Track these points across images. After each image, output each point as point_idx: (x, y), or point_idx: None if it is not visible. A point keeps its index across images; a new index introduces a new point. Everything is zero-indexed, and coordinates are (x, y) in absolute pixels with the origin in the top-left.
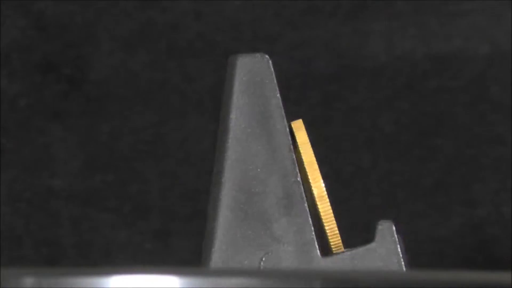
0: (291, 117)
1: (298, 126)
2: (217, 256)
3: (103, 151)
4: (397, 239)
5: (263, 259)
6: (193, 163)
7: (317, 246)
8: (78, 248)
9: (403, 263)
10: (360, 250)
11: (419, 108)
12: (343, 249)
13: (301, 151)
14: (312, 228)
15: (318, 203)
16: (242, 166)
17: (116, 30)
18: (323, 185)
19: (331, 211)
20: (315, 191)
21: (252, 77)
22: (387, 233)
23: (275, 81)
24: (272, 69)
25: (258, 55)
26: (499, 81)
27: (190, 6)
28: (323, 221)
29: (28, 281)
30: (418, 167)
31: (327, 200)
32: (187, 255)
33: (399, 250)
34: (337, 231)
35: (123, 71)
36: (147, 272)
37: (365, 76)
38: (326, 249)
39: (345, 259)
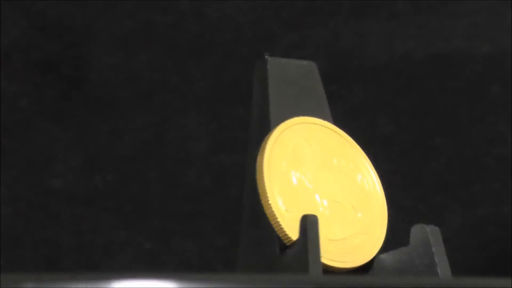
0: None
1: (267, 136)
2: (240, 258)
3: (103, 151)
4: (313, 236)
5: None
6: (193, 163)
7: (277, 244)
8: (78, 248)
9: (310, 260)
10: (293, 245)
11: (419, 108)
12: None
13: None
14: (274, 228)
15: (261, 202)
16: (250, 168)
17: (116, 30)
18: (266, 187)
19: (272, 210)
20: (259, 192)
21: (258, 80)
22: (310, 228)
23: (268, 85)
24: (268, 72)
25: (264, 57)
26: (499, 81)
27: (190, 6)
28: (268, 219)
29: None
30: (418, 167)
31: (269, 200)
32: (187, 255)
33: (308, 246)
34: (282, 227)
35: (123, 71)
36: (145, 278)
37: (365, 76)
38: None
39: (286, 254)
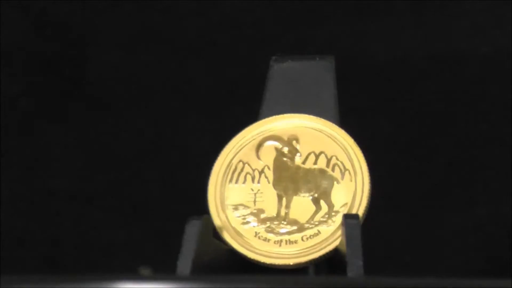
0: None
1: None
2: None
3: (103, 151)
4: (188, 238)
5: None
6: (193, 163)
7: None
8: (78, 248)
9: (180, 259)
10: None
11: (419, 108)
12: None
13: None
14: None
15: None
16: None
17: (116, 30)
18: (209, 190)
19: (209, 210)
20: None
21: None
22: (187, 231)
23: (265, 86)
24: (269, 73)
25: (273, 57)
26: (499, 81)
27: (190, 6)
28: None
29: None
30: (418, 167)
31: (208, 199)
32: None
33: (182, 247)
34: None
35: (123, 71)
36: (145, 280)
37: (365, 76)
38: None
39: None
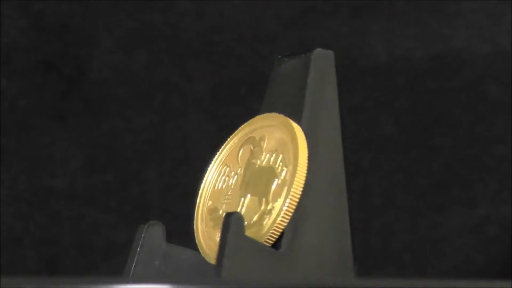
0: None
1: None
2: None
3: (103, 151)
4: (135, 243)
5: None
6: (193, 163)
7: None
8: (78, 248)
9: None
10: None
11: (419, 108)
12: None
13: None
14: None
15: None
16: None
17: (116, 30)
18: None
19: (194, 211)
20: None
21: None
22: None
23: (267, 87)
24: (271, 74)
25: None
26: (499, 81)
27: (190, 6)
28: None
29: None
30: (418, 167)
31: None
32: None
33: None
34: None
35: (123, 71)
36: (145, 282)
37: (365, 76)
38: None
39: None
